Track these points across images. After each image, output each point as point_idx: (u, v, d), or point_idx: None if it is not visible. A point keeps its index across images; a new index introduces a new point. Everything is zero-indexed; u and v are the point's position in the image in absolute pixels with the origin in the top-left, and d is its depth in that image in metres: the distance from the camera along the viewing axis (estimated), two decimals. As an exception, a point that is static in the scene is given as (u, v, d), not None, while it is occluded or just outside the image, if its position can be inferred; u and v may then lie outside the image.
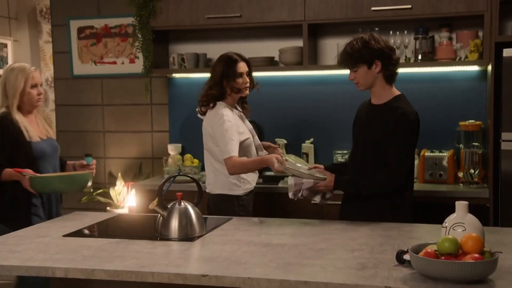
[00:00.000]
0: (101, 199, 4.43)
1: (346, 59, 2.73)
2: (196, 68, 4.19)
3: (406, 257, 1.93)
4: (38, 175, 2.92)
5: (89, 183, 2.95)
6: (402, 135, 2.67)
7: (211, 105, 3.17)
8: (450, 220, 1.97)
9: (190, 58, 4.18)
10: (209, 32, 4.26)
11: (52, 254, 2.20)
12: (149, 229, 2.64)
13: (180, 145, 4.39)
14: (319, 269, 1.95)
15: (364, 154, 2.74)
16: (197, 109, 3.30)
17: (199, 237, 2.41)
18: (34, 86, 3.08)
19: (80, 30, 4.62)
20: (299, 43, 3.99)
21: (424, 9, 3.58)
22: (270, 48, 4.14)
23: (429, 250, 1.79)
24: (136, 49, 4.21)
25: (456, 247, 1.76)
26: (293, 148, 4.12)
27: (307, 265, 1.99)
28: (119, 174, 4.43)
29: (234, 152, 3.03)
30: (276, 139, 4.16)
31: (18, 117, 3.03)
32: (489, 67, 3.64)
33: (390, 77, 2.75)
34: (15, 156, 2.98)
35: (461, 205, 1.97)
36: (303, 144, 4.12)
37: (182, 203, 2.46)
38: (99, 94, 4.65)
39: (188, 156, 4.28)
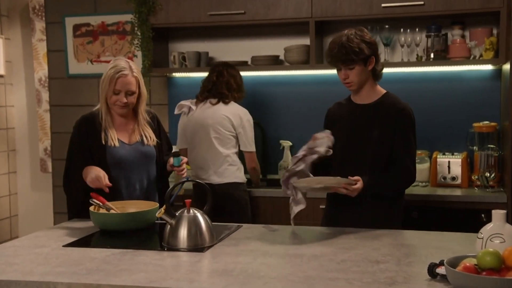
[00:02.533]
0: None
1: (345, 54, 2.53)
2: (198, 67, 4.03)
3: (440, 270, 1.78)
4: (104, 206, 2.60)
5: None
6: (408, 132, 2.59)
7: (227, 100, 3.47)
8: (486, 230, 1.83)
9: (192, 57, 4.02)
10: (211, 29, 4.11)
11: (53, 266, 2.03)
12: (155, 238, 2.50)
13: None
14: (345, 283, 1.80)
15: (362, 154, 2.59)
16: (210, 100, 3.50)
17: (209, 247, 2.25)
18: (117, 93, 2.78)
19: (76, 27, 4.45)
20: (305, 41, 3.85)
21: (437, 6, 3.44)
22: (275, 46, 4.00)
23: (468, 264, 1.64)
24: (135, 48, 4.05)
25: (499, 261, 1.61)
26: (299, 150, 3.97)
27: (331, 279, 1.84)
28: (118, 178, 4.25)
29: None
30: (281, 141, 4.03)
31: (106, 117, 2.79)
32: (505, 66, 3.52)
33: (379, 74, 2.64)
34: (90, 160, 2.73)
35: (498, 215, 1.82)
36: (309, 146, 3.97)
37: (191, 211, 2.30)
38: (96, 94, 4.46)
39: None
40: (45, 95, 5.10)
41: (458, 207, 3.29)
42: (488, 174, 3.37)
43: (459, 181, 3.50)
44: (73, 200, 2.81)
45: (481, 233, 1.84)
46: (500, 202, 3.22)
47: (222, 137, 3.45)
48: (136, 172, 2.77)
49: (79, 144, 2.79)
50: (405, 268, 1.94)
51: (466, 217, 3.25)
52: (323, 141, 2.55)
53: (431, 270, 1.81)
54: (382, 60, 3.70)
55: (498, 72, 3.69)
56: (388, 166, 2.59)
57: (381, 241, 2.29)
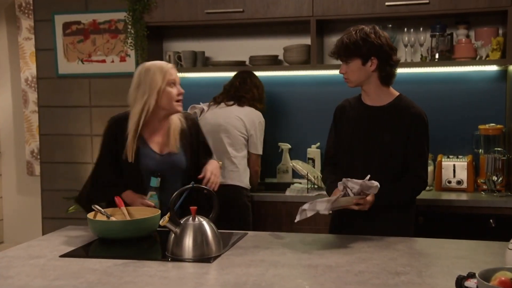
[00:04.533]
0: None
1: (341, 49, 2.46)
2: (194, 67, 3.90)
3: (469, 284, 1.68)
4: (103, 213, 2.47)
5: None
6: (421, 138, 2.50)
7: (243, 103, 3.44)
8: (517, 241, 1.73)
9: (187, 57, 3.89)
10: (208, 28, 3.98)
11: (51, 280, 1.90)
12: (157, 247, 2.36)
13: (175, 149, 4.09)
14: (369, 298, 1.69)
15: (371, 160, 2.48)
16: (194, 107, 3.52)
17: (216, 257, 2.12)
18: (173, 83, 2.64)
19: (66, 25, 4.28)
20: (305, 40, 3.74)
21: (442, 5, 3.35)
22: (274, 46, 3.88)
23: (503, 278, 1.54)
24: (129, 47, 3.90)
25: (537, 275, 1.51)
26: (298, 154, 3.88)
27: (353, 293, 1.73)
28: (110, 182, 4.10)
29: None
30: (280, 144, 3.92)
31: (141, 123, 2.60)
32: (511, 67, 3.44)
33: (385, 78, 2.50)
34: (119, 169, 2.60)
35: (530, 223, 1.72)
36: (308, 149, 3.87)
37: (197, 219, 2.17)
38: (87, 95, 4.32)
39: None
40: (32, 96, 4.95)
41: (465, 212, 3.20)
42: (495, 178, 3.29)
43: (464, 185, 3.41)
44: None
45: (512, 243, 1.73)
46: (509, 207, 3.14)
47: (233, 137, 3.39)
48: (169, 182, 2.59)
49: (108, 150, 2.64)
50: (429, 281, 1.83)
51: (474, 223, 3.17)
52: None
53: (460, 284, 1.70)
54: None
55: (504, 73, 3.61)
56: (398, 172, 2.48)
57: (397, 250, 2.18)
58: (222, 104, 3.48)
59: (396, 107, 2.51)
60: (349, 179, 2.32)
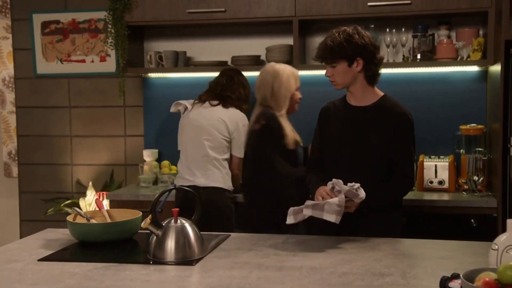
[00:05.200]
0: (69, 210, 4.04)
1: (325, 52, 2.45)
2: (175, 67, 3.86)
3: (453, 284, 1.67)
4: (83, 215, 2.43)
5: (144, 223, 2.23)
6: (407, 138, 2.49)
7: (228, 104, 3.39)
8: (501, 241, 1.72)
9: (169, 57, 3.85)
10: (190, 28, 3.95)
11: (29, 284, 1.85)
12: (139, 250, 2.32)
13: (156, 150, 4.05)
14: (353, 300, 1.67)
15: (358, 161, 2.47)
16: (178, 104, 3.50)
17: (199, 259, 2.09)
18: (298, 89, 3.12)
19: (44, 25, 4.22)
20: (287, 40, 3.73)
21: (424, 5, 3.36)
22: (256, 46, 3.86)
23: (487, 279, 1.53)
24: (109, 46, 3.85)
25: (522, 275, 1.50)
26: (281, 154, 3.84)
27: (337, 295, 1.71)
28: (90, 183, 4.04)
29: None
30: (262, 144, 3.88)
31: (283, 121, 3.01)
32: (491, 68, 3.46)
33: (371, 77, 2.51)
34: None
35: (513, 224, 1.72)
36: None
37: (179, 221, 2.14)
38: (66, 95, 4.26)
39: (165, 163, 3.96)
40: (10, 96, 4.84)
41: (447, 212, 3.21)
42: (476, 178, 3.30)
43: (446, 185, 3.42)
44: None
45: (496, 245, 1.73)
46: (490, 207, 3.15)
47: (214, 140, 3.32)
48: None
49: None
50: (413, 282, 1.82)
51: (455, 222, 3.18)
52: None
53: (444, 285, 1.69)
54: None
55: (485, 74, 3.63)
56: (384, 172, 2.47)
57: (381, 251, 2.17)
58: (207, 104, 3.40)
59: (382, 107, 2.50)
60: (340, 181, 2.28)
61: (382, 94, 2.55)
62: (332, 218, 2.22)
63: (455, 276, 1.70)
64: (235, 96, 3.39)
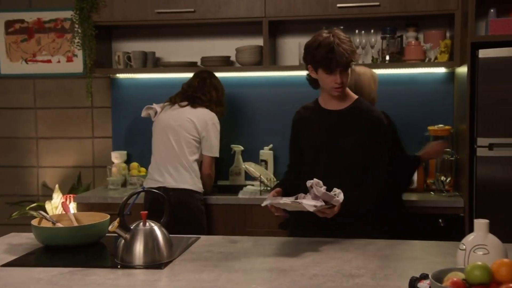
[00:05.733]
0: (35, 214, 3.95)
1: (346, 58, 2.35)
2: (144, 68, 3.82)
3: (422, 285, 1.68)
4: (49, 219, 2.38)
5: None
6: (382, 141, 2.48)
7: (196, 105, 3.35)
8: (468, 241, 1.73)
9: (137, 57, 3.80)
10: (158, 28, 3.91)
11: (-8, 291, 1.80)
12: (106, 254, 2.28)
13: (125, 152, 4.00)
14: (324, 302, 1.66)
15: (334, 165, 2.45)
16: (150, 108, 3.43)
17: (168, 263, 2.06)
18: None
19: (8, 24, 4.13)
20: (257, 41, 3.72)
21: (392, 7, 3.39)
22: (226, 46, 3.85)
23: (455, 279, 1.54)
24: (76, 46, 3.78)
25: (489, 275, 1.51)
26: (251, 155, 3.85)
27: (307, 297, 1.70)
28: (57, 186, 3.96)
29: (217, 155, 3.41)
30: (232, 146, 3.87)
31: None
32: (458, 69, 3.51)
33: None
34: None
35: (481, 224, 1.73)
36: (261, 151, 3.85)
37: (147, 224, 2.11)
38: (31, 96, 4.18)
39: (134, 164, 3.90)
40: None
41: (415, 212, 3.24)
42: (444, 178, 3.34)
43: (414, 185, 3.45)
44: None
45: (463, 245, 1.74)
46: (457, 207, 3.19)
47: (183, 141, 3.28)
48: None
49: None
50: (383, 283, 1.82)
51: (423, 222, 3.21)
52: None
53: (413, 285, 1.69)
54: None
55: (452, 75, 3.68)
56: (360, 176, 2.45)
57: (352, 253, 2.17)
58: (176, 105, 3.37)
59: (356, 110, 2.48)
60: (320, 182, 2.25)
61: (356, 97, 2.53)
62: (310, 208, 2.19)
63: (424, 277, 1.71)
64: (205, 98, 3.36)
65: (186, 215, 3.18)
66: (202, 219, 3.27)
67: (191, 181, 3.26)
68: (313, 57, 2.39)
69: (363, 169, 2.45)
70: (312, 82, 2.52)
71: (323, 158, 2.48)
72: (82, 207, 3.52)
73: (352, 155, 2.44)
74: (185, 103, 3.35)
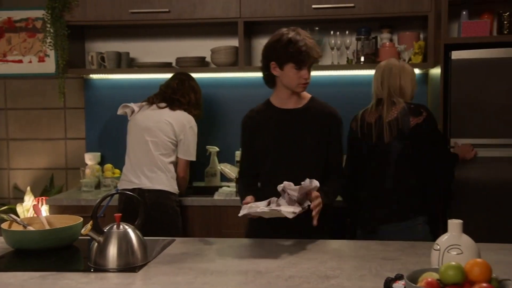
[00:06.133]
0: (5, 217, 3.86)
1: (319, 53, 2.44)
2: (118, 69, 3.77)
3: (397, 286, 1.68)
4: (19, 222, 2.34)
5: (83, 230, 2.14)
6: (341, 137, 2.54)
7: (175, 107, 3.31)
8: (442, 242, 1.74)
9: (111, 57, 3.75)
10: (133, 28, 3.87)
11: (-40, 297, 1.75)
12: (79, 258, 2.24)
13: (98, 154, 3.94)
14: (299, 304, 1.66)
15: (297, 164, 2.46)
16: (126, 106, 3.38)
17: (142, 266, 2.03)
18: None
19: (-22, 23, 4.05)
20: (233, 42, 3.70)
21: (367, 9, 3.41)
22: (201, 47, 3.82)
23: (429, 279, 1.54)
24: (48, 46, 3.72)
25: (463, 275, 1.52)
26: (227, 157, 3.83)
27: (283, 299, 1.69)
28: (28, 188, 3.89)
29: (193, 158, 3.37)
30: (208, 147, 3.85)
31: None
32: (432, 71, 3.54)
33: None
34: None
35: (454, 224, 1.74)
36: (237, 152, 3.82)
37: (121, 226, 2.08)
38: (2, 97, 4.10)
39: (108, 166, 3.85)
40: None
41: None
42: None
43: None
44: None
45: (438, 245, 1.75)
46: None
47: (160, 142, 3.24)
48: None
49: None
50: (358, 283, 1.82)
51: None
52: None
53: (388, 286, 1.70)
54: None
55: (425, 77, 3.71)
56: (322, 173, 2.47)
57: (327, 253, 2.17)
58: (154, 106, 3.33)
59: (312, 108, 2.50)
60: (291, 184, 2.25)
61: (310, 96, 2.55)
62: (289, 215, 2.18)
63: (399, 277, 1.72)
64: (184, 100, 3.33)
65: (162, 216, 3.15)
66: (178, 221, 3.24)
67: (167, 182, 3.23)
68: (282, 53, 2.39)
69: (324, 166, 2.50)
70: (270, 81, 2.51)
71: (285, 158, 2.47)
72: (55, 209, 3.46)
73: (315, 152, 2.47)
74: (164, 104, 3.32)
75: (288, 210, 2.20)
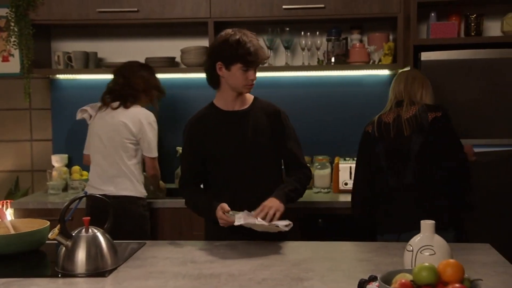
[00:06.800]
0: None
1: (266, 53, 2.48)
2: (85, 69, 3.70)
3: (371, 287, 1.68)
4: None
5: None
6: (294, 130, 2.55)
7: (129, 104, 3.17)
8: (415, 242, 1.75)
9: (79, 57, 3.68)
10: (101, 28, 3.80)
11: None
12: (46, 263, 2.18)
13: (66, 155, 3.86)
14: (273, 307, 1.64)
15: (254, 164, 2.45)
16: (84, 110, 3.31)
17: (112, 270, 1.99)
18: None
19: None
20: (203, 42, 3.67)
21: (337, 9, 3.41)
22: (171, 47, 3.77)
23: (403, 280, 1.54)
24: (12, 46, 3.62)
25: (436, 276, 1.53)
26: (197, 157, 3.77)
27: (257, 303, 1.67)
28: (-8, 191, 3.80)
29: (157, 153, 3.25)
30: (178, 148, 3.80)
31: None
32: (401, 71, 3.56)
33: None
34: None
35: (427, 225, 1.75)
36: (207, 153, 3.79)
37: (90, 230, 2.03)
38: (-35, 96, 3.98)
39: (76, 168, 3.78)
40: None
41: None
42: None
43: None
44: None
45: (410, 246, 1.75)
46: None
47: (120, 146, 3.13)
48: None
49: None
50: (332, 285, 1.82)
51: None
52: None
53: (362, 287, 1.70)
54: (283, 63, 3.66)
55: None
56: (277, 173, 2.52)
57: (299, 255, 2.16)
58: (109, 109, 3.19)
59: (259, 108, 2.50)
60: (256, 219, 2.24)
61: (253, 96, 2.55)
62: (285, 228, 2.22)
63: (373, 279, 1.72)
64: (134, 92, 3.18)
65: (128, 222, 3.04)
66: (145, 225, 3.16)
67: (132, 187, 3.13)
68: (230, 53, 2.37)
69: (278, 164, 2.51)
70: (214, 82, 2.50)
71: (241, 162, 2.44)
72: (20, 213, 3.37)
73: (269, 151, 2.47)
74: (117, 104, 3.17)
75: (283, 223, 2.22)
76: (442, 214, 2.51)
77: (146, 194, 3.22)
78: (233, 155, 2.45)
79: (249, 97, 2.53)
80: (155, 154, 3.22)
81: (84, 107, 3.37)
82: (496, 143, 3.00)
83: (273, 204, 2.28)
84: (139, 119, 3.14)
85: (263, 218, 2.24)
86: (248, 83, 2.42)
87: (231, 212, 2.29)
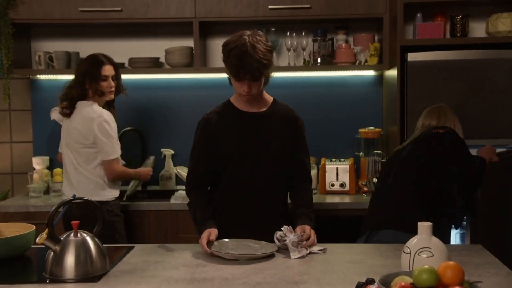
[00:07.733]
0: None
1: (260, 69, 2.22)
2: (67, 69, 3.63)
3: (369, 289, 1.66)
4: None
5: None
6: (305, 140, 2.50)
7: (70, 105, 3.06)
8: (412, 244, 1.73)
9: (60, 57, 3.61)
10: (83, 27, 3.73)
11: None
12: (33, 268, 2.13)
13: (47, 157, 3.79)
14: (271, 312, 1.61)
15: (263, 169, 2.38)
16: (56, 110, 3.19)
17: (102, 275, 1.94)
18: None
19: None
20: (188, 42, 3.62)
21: (323, 10, 3.40)
22: (155, 48, 3.72)
23: (403, 283, 1.53)
24: (-9, 45, 3.53)
25: (436, 279, 1.51)
26: (181, 160, 3.74)
27: (253, 307, 1.64)
28: (-28, 194, 3.70)
29: (118, 154, 3.06)
30: (162, 150, 3.77)
31: None
32: (387, 72, 3.57)
33: (267, 81, 2.36)
34: None
35: (424, 227, 1.74)
36: (192, 154, 3.74)
37: (79, 234, 1.98)
38: None
39: (58, 170, 3.70)
40: None
41: (349, 214, 3.25)
42: (375, 180, 3.38)
43: (347, 188, 3.47)
44: None
45: (408, 248, 1.74)
46: (389, 208, 3.23)
47: (77, 151, 3.04)
48: None
49: None
50: (328, 288, 1.79)
51: (357, 224, 3.22)
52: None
53: (360, 290, 1.68)
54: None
55: (381, 78, 3.74)
56: (285, 180, 2.45)
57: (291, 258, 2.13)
58: (65, 116, 3.09)
59: (275, 112, 2.42)
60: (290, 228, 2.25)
61: (272, 98, 2.47)
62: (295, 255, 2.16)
63: (370, 281, 1.70)
64: (78, 91, 3.04)
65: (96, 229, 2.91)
66: (115, 230, 3.02)
67: (94, 192, 2.99)
68: (225, 59, 2.29)
69: (287, 172, 2.45)
70: (230, 81, 2.39)
71: (248, 163, 2.38)
72: (0, 217, 3.29)
73: (279, 158, 2.41)
74: (67, 111, 3.06)
75: (317, 248, 2.23)
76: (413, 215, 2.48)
77: (116, 196, 3.09)
78: (243, 157, 2.38)
79: (268, 99, 2.45)
80: (112, 156, 3.02)
81: (56, 108, 3.22)
82: (483, 143, 3.01)
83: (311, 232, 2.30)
84: (89, 123, 2.99)
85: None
86: (242, 93, 2.31)
87: (216, 243, 2.21)
